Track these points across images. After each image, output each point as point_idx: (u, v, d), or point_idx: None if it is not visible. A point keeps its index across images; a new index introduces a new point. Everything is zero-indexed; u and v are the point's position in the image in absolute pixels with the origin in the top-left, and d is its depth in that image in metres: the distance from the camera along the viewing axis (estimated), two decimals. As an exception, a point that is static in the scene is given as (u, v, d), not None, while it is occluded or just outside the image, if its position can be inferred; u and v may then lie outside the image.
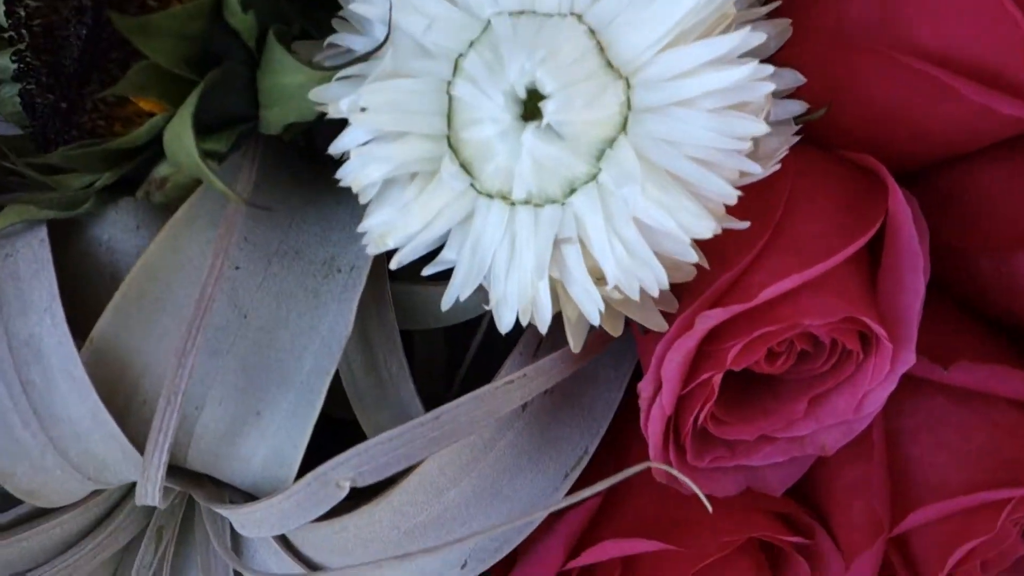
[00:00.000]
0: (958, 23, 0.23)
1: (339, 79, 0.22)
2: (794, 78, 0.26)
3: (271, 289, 0.24)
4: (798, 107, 0.26)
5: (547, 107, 0.21)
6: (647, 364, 0.26)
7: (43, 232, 0.24)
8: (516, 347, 0.28)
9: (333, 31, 0.24)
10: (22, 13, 0.26)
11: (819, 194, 0.25)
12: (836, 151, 0.26)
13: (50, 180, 0.24)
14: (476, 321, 0.30)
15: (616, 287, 0.23)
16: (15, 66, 0.28)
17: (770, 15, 0.26)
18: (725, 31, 0.22)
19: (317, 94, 0.22)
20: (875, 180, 0.25)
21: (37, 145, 0.28)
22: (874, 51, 0.24)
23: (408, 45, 0.22)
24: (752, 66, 0.21)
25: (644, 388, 0.25)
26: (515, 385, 0.25)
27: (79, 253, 0.25)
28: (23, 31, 0.27)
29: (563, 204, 0.23)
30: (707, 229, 0.22)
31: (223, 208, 0.24)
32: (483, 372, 0.30)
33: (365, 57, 0.22)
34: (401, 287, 0.27)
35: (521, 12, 0.22)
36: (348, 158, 0.23)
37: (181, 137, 0.21)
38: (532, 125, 0.22)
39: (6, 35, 0.29)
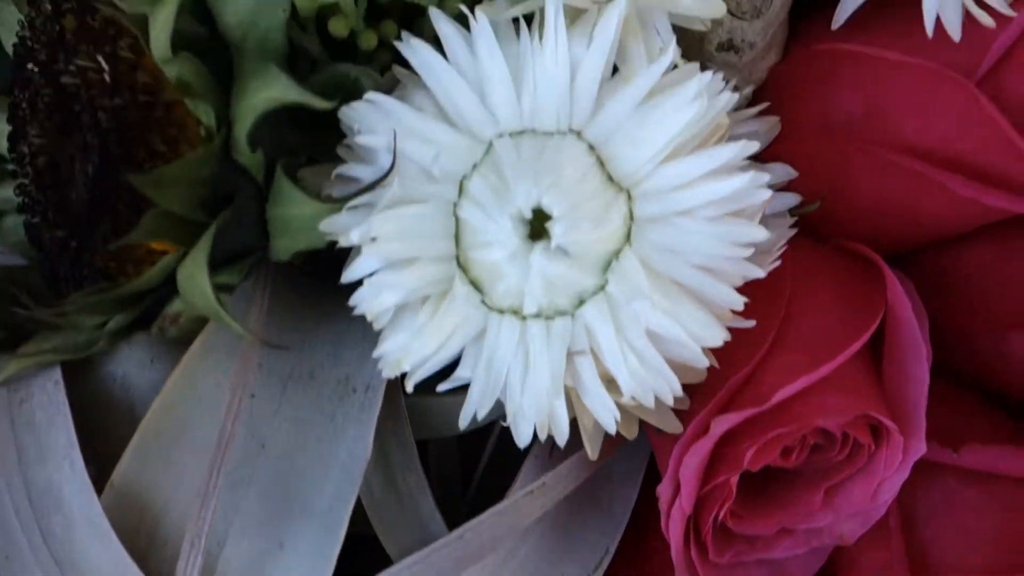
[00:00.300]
0: (940, 120, 0.24)
1: (349, 209, 0.23)
2: (785, 172, 0.27)
3: (288, 415, 0.25)
4: (792, 199, 0.27)
5: (555, 230, 0.22)
6: (663, 463, 0.27)
7: (57, 374, 0.24)
8: (531, 450, 0.28)
9: (338, 155, 0.24)
10: (26, 150, 0.27)
11: (819, 286, 0.26)
12: (830, 241, 0.27)
13: (62, 321, 0.24)
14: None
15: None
16: (19, 199, 0.28)
17: (759, 113, 0.27)
18: (720, 140, 0.23)
19: (328, 225, 0.23)
20: (872, 268, 0.26)
21: (43, 277, 0.28)
22: (860, 146, 0.25)
23: (413, 171, 0.23)
24: (750, 175, 0.22)
25: (663, 491, 0.25)
26: (535, 495, 0.25)
27: (93, 390, 0.25)
28: (27, 167, 0.27)
29: (573, 316, 0.23)
30: (716, 337, 0.22)
31: (236, 339, 0.24)
32: (498, 471, 0.30)
33: (372, 187, 0.23)
34: (414, 400, 0.27)
35: (522, 132, 0.23)
36: (358, 282, 0.24)
37: (195, 279, 0.21)
38: (540, 246, 0.22)
39: (9, 168, 0.30)
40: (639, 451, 0.30)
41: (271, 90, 0.21)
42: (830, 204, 0.26)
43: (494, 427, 0.30)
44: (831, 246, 0.27)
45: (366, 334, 0.26)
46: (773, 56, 0.27)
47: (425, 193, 0.23)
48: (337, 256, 0.25)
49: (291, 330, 0.26)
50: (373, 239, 0.22)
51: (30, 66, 0.26)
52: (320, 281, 0.27)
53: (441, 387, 0.24)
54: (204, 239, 0.21)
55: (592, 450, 0.25)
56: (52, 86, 0.25)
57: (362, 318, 0.25)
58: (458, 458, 0.31)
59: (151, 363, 0.25)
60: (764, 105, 0.26)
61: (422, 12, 0.24)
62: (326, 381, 0.25)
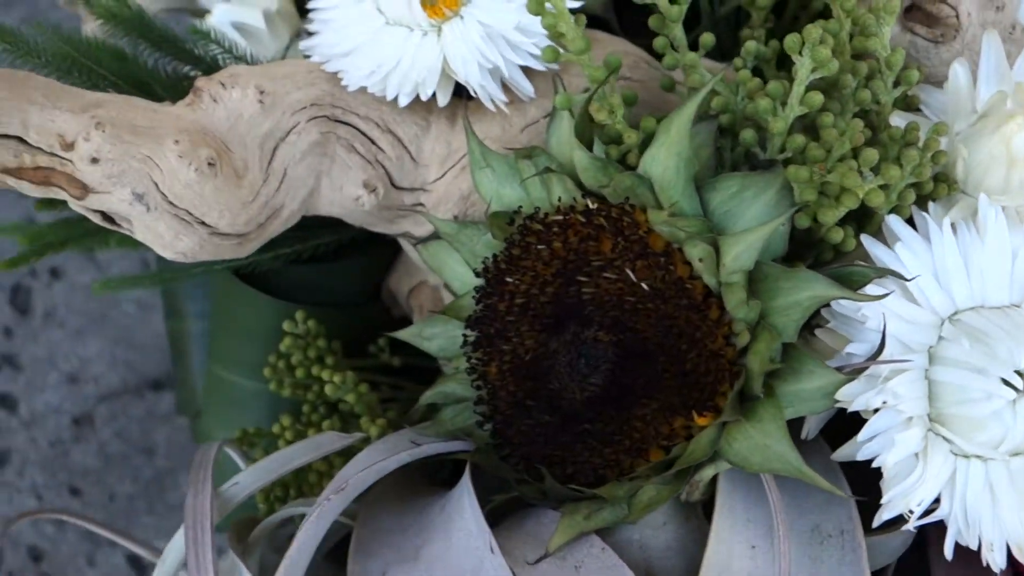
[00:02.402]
0: None
1: (862, 379, 0.27)
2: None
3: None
4: None
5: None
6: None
7: (597, 539, 0.28)
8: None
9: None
10: (506, 348, 0.31)
11: None
12: None
13: (601, 492, 0.28)
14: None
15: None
16: (477, 392, 0.32)
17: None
18: None
19: (842, 393, 0.27)
20: None
21: (506, 457, 0.32)
22: None
23: (894, 343, 0.28)
24: None
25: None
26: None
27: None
28: (505, 363, 0.31)
29: (1023, 454, 0.28)
30: None
31: (745, 497, 0.29)
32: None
33: (872, 361, 0.27)
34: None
35: (973, 308, 0.28)
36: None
37: (771, 447, 0.26)
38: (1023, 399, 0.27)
39: (450, 368, 0.34)
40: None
41: (815, 289, 0.26)
42: None
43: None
44: None
45: (808, 485, 0.31)
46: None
47: (906, 363, 0.28)
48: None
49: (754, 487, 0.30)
50: (884, 403, 0.27)
51: (510, 279, 0.31)
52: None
53: (913, 525, 0.29)
54: (772, 412, 0.26)
55: (1036, 570, 0.29)
56: (550, 295, 0.30)
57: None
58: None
59: (663, 525, 0.29)
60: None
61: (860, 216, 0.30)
62: (801, 530, 0.29)
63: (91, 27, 0.47)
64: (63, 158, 0.29)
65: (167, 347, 0.72)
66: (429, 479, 0.37)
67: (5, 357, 0.72)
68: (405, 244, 0.38)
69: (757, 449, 0.26)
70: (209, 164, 0.29)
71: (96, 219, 0.31)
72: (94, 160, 0.28)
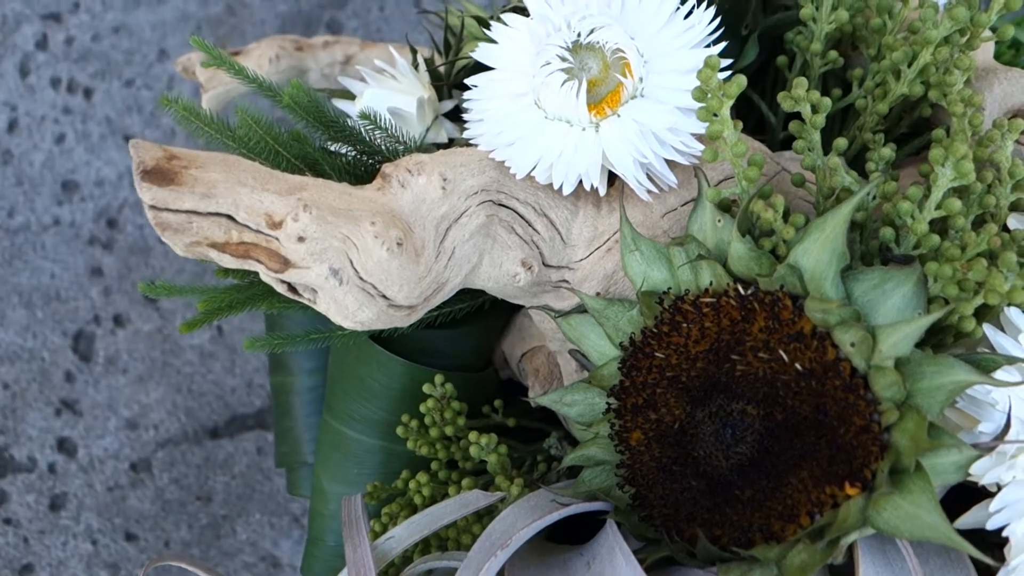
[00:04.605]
0: None
1: (995, 455, 0.31)
2: None
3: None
4: None
5: None
6: None
7: (752, 598, 0.31)
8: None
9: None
10: (652, 416, 0.34)
11: None
12: None
13: (756, 553, 0.31)
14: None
15: None
16: (620, 457, 0.35)
17: None
18: None
19: (974, 468, 0.30)
20: None
21: (647, 519, 0.34)
22: None
23: (1017, 424, 0.31)
24: None
25: None
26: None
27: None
28: (644, 432, 0.34)
29: None
30: None
31: (865, 560, 0.31)
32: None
33: (999, 440, 0.31)
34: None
35: (1084, 392, 0.32)
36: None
37: (920, 517, 0.29)
38: None
39: (590, 432, 0.36)
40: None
41: (959, 375, 0.29)
42: None
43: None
44: None
45: (929, 552, 0.34)
46: None
47: (1026, 442, 0.31)
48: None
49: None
50: (1014, 477, 0.30)
51: (658, 354, 0.34)
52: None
53: (1030, 588, 0.32)
54: (921, 485, 0.29)
55: None
56: (699, 370, 0.33)
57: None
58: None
59: (809, 584, 0.32)
60: None
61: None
62: (926, 590, 0.32)
63: (208, 98, 0.51)
64: (268, 235, 0.32)
65: (226, 396, 0.74)
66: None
67: (66, 402, 0.73)
68: (534, 314, 0.40)
69: (907, 518, 0.29)
70: (398, 244, 0.32)
71: (281, 289, 0.33)
72: (300, 239, 0.31)
